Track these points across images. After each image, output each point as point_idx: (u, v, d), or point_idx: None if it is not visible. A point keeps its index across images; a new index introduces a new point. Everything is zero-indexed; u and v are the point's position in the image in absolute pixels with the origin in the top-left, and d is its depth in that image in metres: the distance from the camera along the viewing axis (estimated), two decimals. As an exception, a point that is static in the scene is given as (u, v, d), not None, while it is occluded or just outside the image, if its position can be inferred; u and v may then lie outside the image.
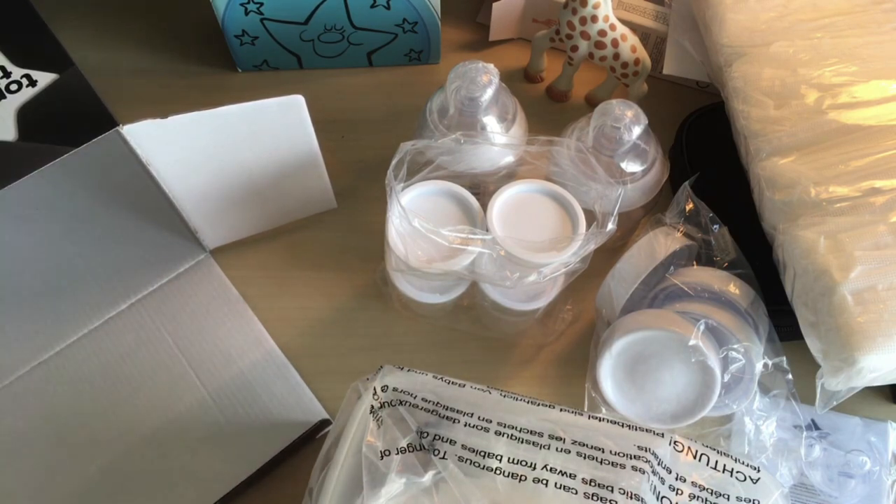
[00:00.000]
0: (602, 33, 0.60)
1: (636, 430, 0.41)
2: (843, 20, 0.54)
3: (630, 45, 0.60)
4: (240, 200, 0.55)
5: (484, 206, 0.49)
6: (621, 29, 0.60)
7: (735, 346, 0.47)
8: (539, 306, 0.52)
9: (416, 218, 0.44)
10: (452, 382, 0.43)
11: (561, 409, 0.42)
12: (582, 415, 0.42)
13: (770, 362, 0.49)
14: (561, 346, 0.57)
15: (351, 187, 0.63)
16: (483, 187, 0.52)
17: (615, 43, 0.60)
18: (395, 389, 0.41)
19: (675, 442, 0.40)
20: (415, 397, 0.41)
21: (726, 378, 0.48)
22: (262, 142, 0.50)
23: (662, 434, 0.40)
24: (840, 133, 0.48)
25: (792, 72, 0.51)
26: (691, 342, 0.46)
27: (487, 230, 0.47)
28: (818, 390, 0.45)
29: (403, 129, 0.59)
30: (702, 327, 0.46)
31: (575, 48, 0.62)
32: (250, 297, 0.58)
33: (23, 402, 0.53)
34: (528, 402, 0.42)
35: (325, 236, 0.61)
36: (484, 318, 0.56)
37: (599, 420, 0.41)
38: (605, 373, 0.49)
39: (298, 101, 0.48)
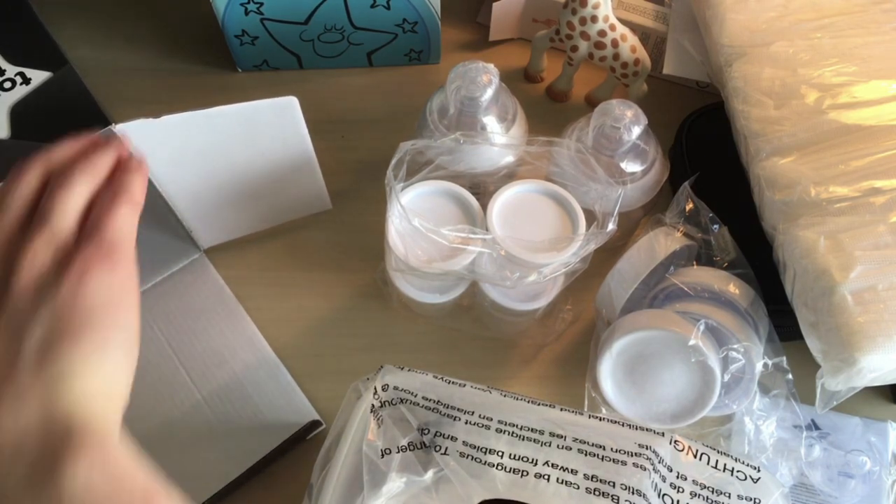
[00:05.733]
0: (602, 33, 0.60)
1: (636, 429, 0.41)
2: (843, 20, 0.54)
3: (630, 46, 0.60)
4: (233, 200, 0.54)
5: (484, 206, 0.49)
6: (621, 29, 0.60)
7: (735, 346, 0.47)
8: (539, 306, 0.52)
9: (416, 217, 0.44)
10: (453, 382, 0.43)
11: (561, 409, 0.42)
12: (582, 414, 0.42)
13: (770, 362, 0.49)
14: (561, 346, 0.57)
15: (351, 187, 0.63)
16: (483, 187, 0.52)
17: (615, 43, 0.60)
18: (395, 388, 0.41)
19: (675, 441, 0.40)
20: (415, 396, 0.41)
21: (726, 378, 0.48)
22: (255, 142, 0.50)
23: (663, 433, 0.40)
24: (840, 133, 0.48)
25: (792, 72, 0.51)
26: (691, 342, 0.46)
27: (487, 230, 0.47)
28: (818, 390, 0.45)
29: (403, 129, 0.59)
30: (702, 327, 0.46)
31: (575, 48, 0.62)
32: (249, 296, 0.58)
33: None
34: (528, 402, 0.42)
35: (324, 236, 0.61)
36: (484, 318, 0.56)
37: (599, 419, 0.41)
38: (605, 373, 0.49)
39: (292, 102, 0.48)
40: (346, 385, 0.44)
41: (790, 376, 0.50)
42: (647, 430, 0.41)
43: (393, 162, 0.46)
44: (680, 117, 0.61)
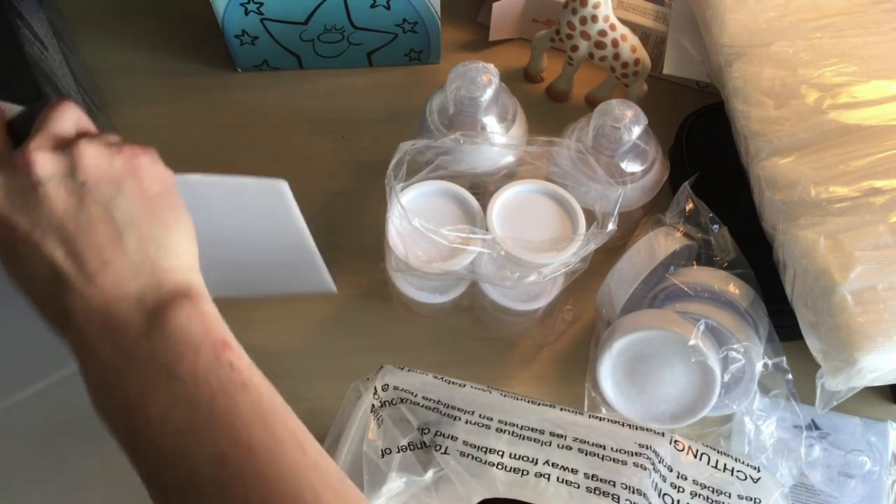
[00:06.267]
0: (602, 33, 0.60)
1: (636, 429, 0.41)
2: (843, 20, 0.54)
3: (630, 45, 0.60)
4: (221, 267, 0.46)
5: (484, 206, 0.49)
6: (621, 29, 0.60)
7: (735, 346, 0.47)
8: (539, 306, 0.52)
9: (416, 217, 0.44)
10: (453, 382, 0.43)
11: (561, 409, 0.42)
12: (582, 414, 0.42)
13: (770, 362, 0.49)
14: (561, 346, 0.57)
15: (351, 187, 0.63)
16: (483, 187, 0.52)
17: (615, 43, 0.60)
18: (395, 388, 0.41)
19: (675, 441, 0.40)
20: (415, 396, 0.41)
21: (726, 378, 0.48)
22: (244, 218, 0.45)
23: (663, 433, 0.40)
24: (840, 133, 0.48)
25: (792, 72, 0.51)
26: (691, 342, 0.46)
27: (487, 230, 0.47)
28: (818, 390, 0.45)
29: (403, 129, 0.59)
30: (702, 327, 0.46)
31: (575, 48, 0.62)
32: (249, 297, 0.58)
33: (35, 417, 0.50)
34: (528, 402, 0.42)
35: (324, 236, 0.61)
36: (484, 318, 0.56)
37: (600, 419, 0.41)
38: (605, 373, 0.49)
39: (279, 187, 0.42)
40: (346, 385, 0.44)
41: (790, 376, 0.50)
42: (647, 430, 0.41)
43: (393, 162, 0.46)
44: (680, 117, 0.61)
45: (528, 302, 0.52)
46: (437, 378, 0.42)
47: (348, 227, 0.61)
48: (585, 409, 0.53)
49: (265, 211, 0.44)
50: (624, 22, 0.62)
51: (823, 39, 0.53)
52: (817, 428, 0.53)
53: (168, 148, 0.69)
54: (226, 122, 0.66)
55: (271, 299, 0.58)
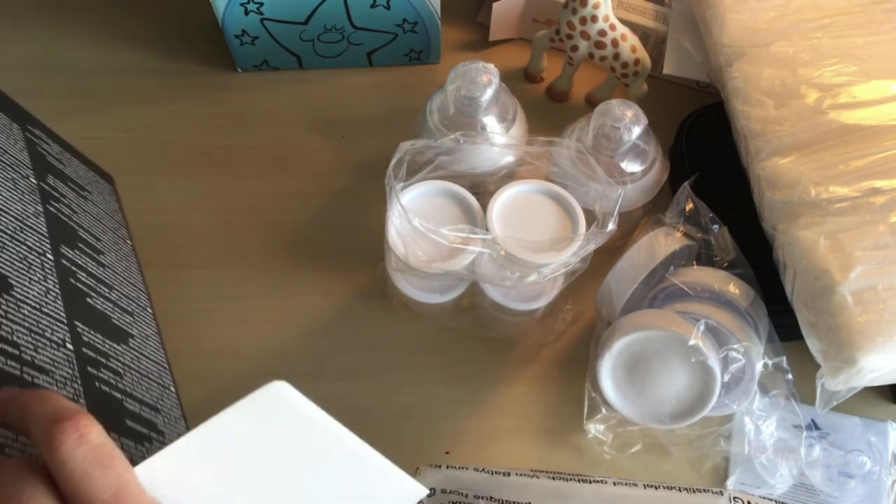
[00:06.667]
0: (602, 33, 0.60)
1: (692, 491, 0.40)
2: (843, 20, 0.54)
3: (630, 45, 0.60)
4: None
5: (484, 206, 0.49)
6: (621, 29, 0.60)
7: (735, 346, 0.47)
8: (539, 306, 0.52)
9: (416, 217, 0.44)
10: (496, 472, 0.41)
11: (615, 483, 0.41)
12: (637, 485, 0.41)
13: (770, 362, 0.49)
14: (561, 346, 0.57)
15: (351, 187, 0.63)
16: (483, 187, 0.52)
17: (615, 43, 0.60)
18: (444, 492, 0.40)
19: (734, 498, 0.40)
20: (467, 497, 0.39)
21: (726, 378, 0.48)
22: (272, 445, 0.32)
23: (721, 492, 0.40)
24: (840, 133, 0.48)
25: (792, 72, 0.51)
26: (691, 342, 0.46)
27: (487, 230, 0.47)
28: (818, 390, 0.45)
29: (403, 129, 0.59)
30: (702, 327, 0.46)
31: (575, 48, 0.62)
32: (249, 296, 0.58)
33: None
34: (579, 481, 0.41)
35: (324, 236, 0.61)
36: (484, 318, 0.56)
37: (656, 488, 0.40)
38: (605, 373, 0.49)
39: (276, 390, 0.29)
40: (346, 385, 0.43)
41: (790, 376, 0.50)
42: (701, 490, 0.40)
43: (393, 162, 0.46)
44: (680, 117, 0.61)
45: (528, 302, 0.52)
46: (478, 471, 0.41)
47: (348, 227, 0.61)
48: (585, 410, 0.53)
49: (277, 433, 0.32)
50: (624, 22, 0.62)
51: (823, 39, 0.53)
52: (817, 428, 0.53)
53: (168, 148, 0.69)
54: (226, 122, 0.66)
55: (270, 298, 0.58)
